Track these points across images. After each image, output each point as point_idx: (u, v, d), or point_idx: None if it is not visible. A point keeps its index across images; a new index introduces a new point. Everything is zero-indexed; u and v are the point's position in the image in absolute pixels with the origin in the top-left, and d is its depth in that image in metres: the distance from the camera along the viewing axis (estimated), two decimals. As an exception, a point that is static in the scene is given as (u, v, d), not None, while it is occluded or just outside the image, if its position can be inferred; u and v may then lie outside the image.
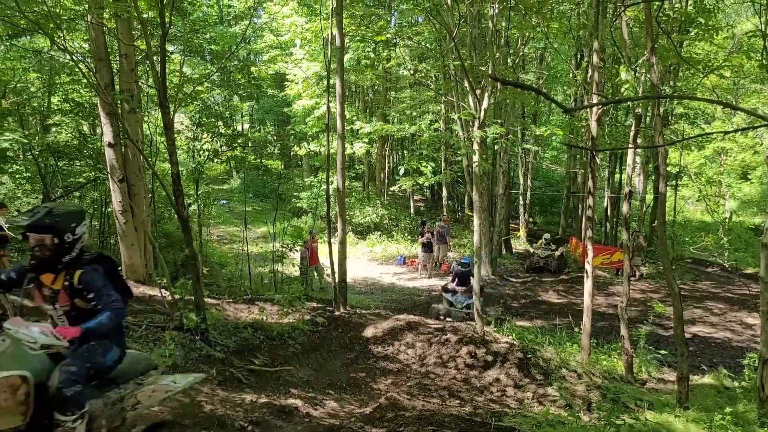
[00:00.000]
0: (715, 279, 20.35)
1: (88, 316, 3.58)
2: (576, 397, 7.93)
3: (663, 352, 10.48)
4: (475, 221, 10.70)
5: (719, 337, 13.10)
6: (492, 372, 8.65)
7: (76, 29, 14.76)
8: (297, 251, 16.55)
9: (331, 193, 14.81)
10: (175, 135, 10.65)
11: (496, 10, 12.81)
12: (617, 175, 25.38)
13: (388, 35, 22.26)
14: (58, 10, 10.48)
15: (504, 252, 23.41)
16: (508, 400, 7.92)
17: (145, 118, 15.15)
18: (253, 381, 7.23)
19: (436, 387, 8.07)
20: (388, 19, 27.18)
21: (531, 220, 30.62)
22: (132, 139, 10.45)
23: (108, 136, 11.16)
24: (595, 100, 10.71)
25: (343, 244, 12.67)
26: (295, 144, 32.19)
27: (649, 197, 24.80)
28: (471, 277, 13.02)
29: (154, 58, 8.27)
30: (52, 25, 8.78)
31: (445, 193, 29.04)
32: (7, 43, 15.59)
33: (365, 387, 8.00)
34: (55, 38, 8.59)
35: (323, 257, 15.06)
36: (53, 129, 16.11)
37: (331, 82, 13.97)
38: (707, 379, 9.82)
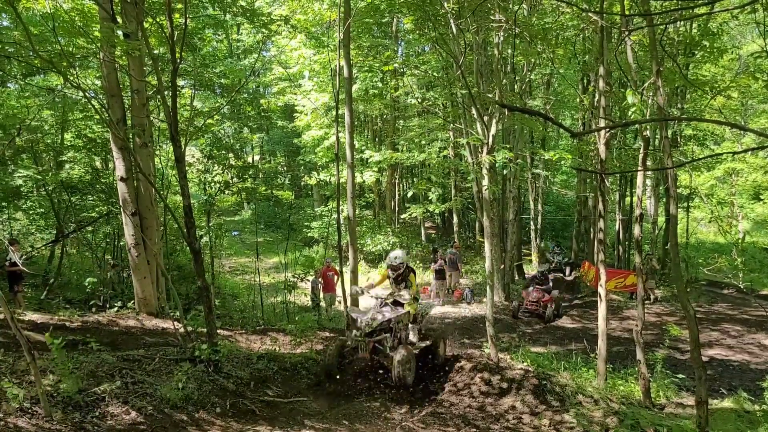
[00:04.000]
0: (730, 300, 20.12)
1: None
2: (593, 424, 7.81)
3: (681, 375, 10.36)
4: (486, 247, 10.68)
5: (737, 360, 12.93)
6: (507, 399, 8.55)
7: (89, 67, 15.05)
8: (308, 281, 16.57)
9: (341, 222, 14.86)
10: (187, 168, 10.77)
11: (502, 38, 12.93)
12: (628, 198, 25.33)
13: (396, 65, 22.53)
14: (71, 49, 10.68)
15: (517, 277, 23.32)
16: (525, 427, 7.82)
17: (157, 152, 15.31)
18: (266, 412, 7.20)
19: (450, 415, 7.99)
20: (395, 49, 27.51)
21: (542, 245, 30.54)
22: (144, 173, 10.56)
23: (120, 171, 11.29)
24: (602, 123, 10.75)
25: (354, 272, 12.68)
26: (305, 174, 32.42)
27: (661, 219, 24.67)
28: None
29: (165, 92, 8.40)
30: (65, 64, 8.97)
31: (455, 219, 29.05)
32: (22, 82, 15.90)
33: (380, 417, 7.93)
34: (68, 76, 8.74)
35: (338, 286, 15.06)
36: (66, 165, 16.31)
37: (340, 112, 14.11)
38: (727, 403, 9.68)
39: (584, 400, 8.61)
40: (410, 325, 9.37)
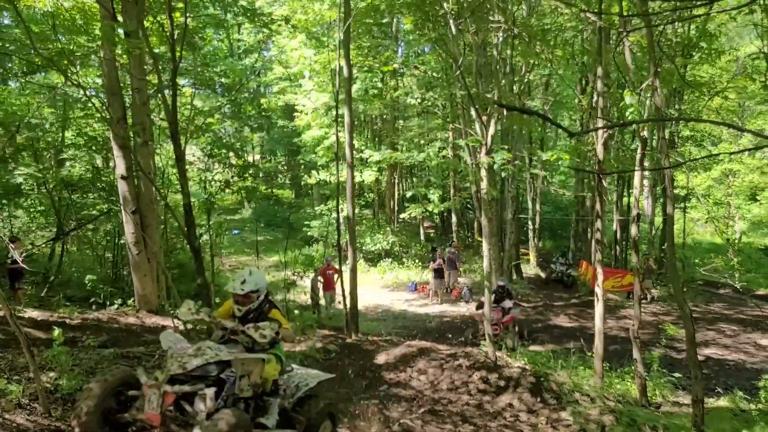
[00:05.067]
0: (727, 300, 20.22)
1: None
2: (590, 422, 7.88)
3: (677, 374, 10.42)
4: (485, 246, 10.74)
5: (733, 359, 13.01)
6: (505, 397, 8.61)
7: (89, 65, 15.08)
8: (308, 278, 16.65)
9: (341, 221, 14.92)
10: (187, 166, 10.83)
11: (501, 39, 12.99)
12: (625, 199, 25.39)
13: (395, 65, 22.58)
14: (71, 47, 10.73)
15: (515, 277, 23.39)
16: (522, 425, 7.88)
17: (157, 151, 15.35)
18: (266, 409, 7.24)
19: (449, 413, 8.05)
20: (395, 49, 27.59)
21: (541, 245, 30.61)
22: (144, 171, 10.62)
23: (121, 169, 11.34)
24: (600, 124, 10.81)
25: (354, 271, 12.74)
26: (305, 173, 32.49)
27: (658, 220, 24.76)
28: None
29: (166, 91, 8.47)
30: (65, 62, 9.02)
31: (454, 219, 29.12)
32: (23, 80, 15.94)
33: (378, 414, 7.98)
34: (69, 74, 8.80)
35: (338, 285, 15.11)
36: (67, 163, 16.36)
37: (340, 111, 14.16)
38: (722, 402, 9.75)
39: (581, 398, 8.67)
40: (270, 399, 5.21)
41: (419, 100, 22.40)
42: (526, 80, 20.31)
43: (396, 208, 30.64)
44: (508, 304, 14.04)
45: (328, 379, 6.08)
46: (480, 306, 13.40)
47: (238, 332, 4.99)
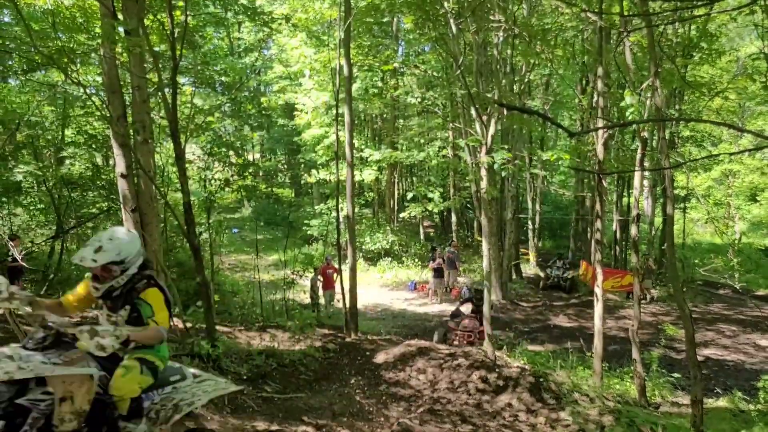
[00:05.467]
0: (726, 301, 20.23)
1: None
2: (589, 422, 7.88)
3: (676, 375, 10.44)
4: (485, 246, 10.75)
5: (732, 360, 13.02)
6: (504, 397, 8.62)
7: (89, 63, 15.05)
8: (308, 277, 16.65)
9: (341, 220, 14.91)
10: (187, 165, 10.81)
11: (501, 38, 12.98)
12: (625, 199, 25.39)
13: (396, 64, 22.58)
14: (71, 45, 10.70)
15: (514, 276, 23.39)
16: (521, 425, 7.89)
17: (157, 149, 15.30)
18: (264, 409, 7.25)
19: (447, 412, 8.05)
20: (395, 48, 27.57)
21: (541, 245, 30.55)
22: (144, 169, 10.58)
23: (120, 167, 11.28)
24: (600, 124, 10.82)
25: (353, 270, 12.74)
26: (305, 172, 32.49)
27: (658, 220, 24.77)
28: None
29: (166, 90, 8.45)
30: (65, 60, 9.00)
31: (454, 218, 29.11)
32: (23, 78, 15.92)
33: (377, 413, 7.98)
34: (69, 72, 8.79)
35: (337, 283, 15.11)
36: (67, 161, 16.34)
37: (340, 110, 14.15)
38: (722, 402, 9.76)
39: (580, 398, 8.68)
40: (129, 426, 3.63)
41: (419, 100, 22.40)
42: (526, 80, 20.30)
43: (396, 208, 30.64)
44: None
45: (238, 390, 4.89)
46: (454, 315, 13.17)
47: (68, 334, 3.37)
